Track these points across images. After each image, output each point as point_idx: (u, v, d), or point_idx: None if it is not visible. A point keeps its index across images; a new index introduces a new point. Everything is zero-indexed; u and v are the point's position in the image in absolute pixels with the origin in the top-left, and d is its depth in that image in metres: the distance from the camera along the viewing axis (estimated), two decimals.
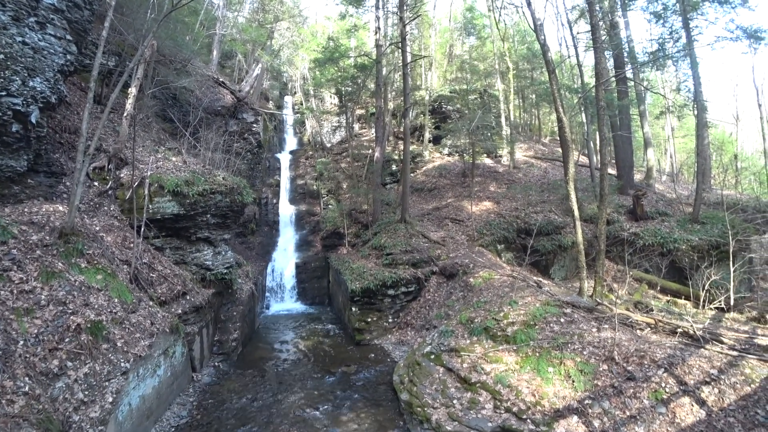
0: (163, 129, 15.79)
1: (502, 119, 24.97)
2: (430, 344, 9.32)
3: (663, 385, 6.09)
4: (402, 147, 20.26)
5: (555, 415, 6.30)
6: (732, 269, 11.14)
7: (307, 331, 13.81)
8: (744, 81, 64.94)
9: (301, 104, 31.91)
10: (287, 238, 21.27)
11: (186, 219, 10.72)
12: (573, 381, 6.73)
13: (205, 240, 11.48)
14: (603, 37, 15.68)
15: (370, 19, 29.46)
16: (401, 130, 22.97)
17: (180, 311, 9.05)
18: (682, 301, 12.45)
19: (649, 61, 19.15)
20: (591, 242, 14.05)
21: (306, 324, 14.63)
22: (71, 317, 6.11)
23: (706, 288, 10.91)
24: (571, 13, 22.78)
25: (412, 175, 22.70)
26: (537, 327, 8.27)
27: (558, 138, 22.99)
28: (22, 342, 5.39)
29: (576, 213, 11.73)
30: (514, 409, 6.66)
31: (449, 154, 26.05)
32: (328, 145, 29.05)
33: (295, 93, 34.12)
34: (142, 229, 9.31)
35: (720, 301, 10.57)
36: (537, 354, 7.56)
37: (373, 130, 24.29)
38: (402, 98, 20.85)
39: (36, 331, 5.64)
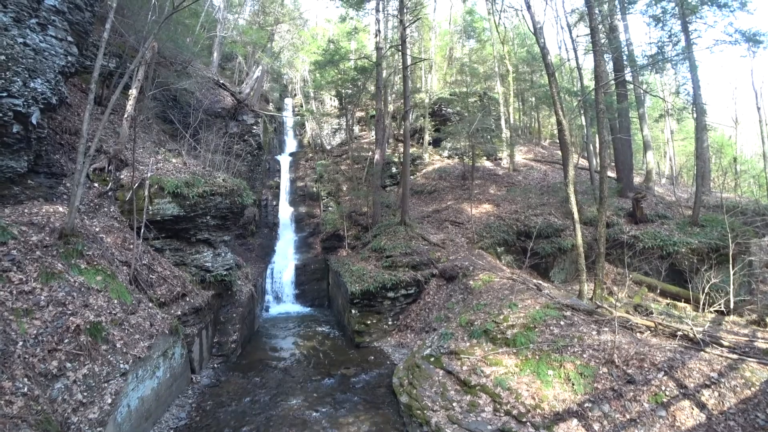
0: (163, 130, 15.80)
1: (502, 122, 25.03)
2: (429, 347, 9.31)
3: (663, 388, 6.07)
4: (402, 149, 20.29)
5: (555, 418, 6.29)
6: (732, 272, 11.15)
7: (307, 333, 13.79)
8: (743, 84, 65.18)
9: (301, 106, 31.98)
10: (287, 240, 21.27)
11: (186, 220, 10.72)
12: (573, 384, 6.72)
13: (204, 241, 11.47)
14: (602, 41, 15.75)
15: (370, 22, 29.53)
16: (401, 132, 23.00)
17: (179, 313, 9.03)
18: (681, 304, 12.45)
19: (648, 64, 19.18)
20: (591, 245, 14.06)
21: (305, 326, 14.60)
22: (71, 318, 6.10)
23: (705, 291, 10.92)
24: (570, 17, 22.86)
25: (412, 177, 22.71)
26: (537, 330, 8.26)
27: (558, 141, 23.04)
28: (21, 343, 5.38)
29: (576, 216, 11.74)
30: (514, 412, 6.65)
31: (449, 157, 26.09)
32: (328, 147, 29.09)
33: (296, 95, 34.20)
34: (142, 230, 9.30)
35: (720, 304, 10.56)
36: (537, 357, 7.55)
37: (373, 133, 24.32)
38: (402, 101, 20.89)
39: (35, 331, 5.63)
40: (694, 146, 20.54)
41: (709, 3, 15.68)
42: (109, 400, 5.77)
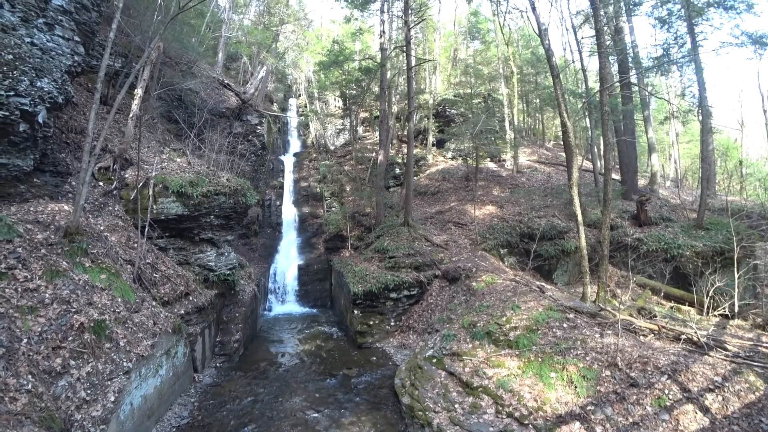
0: (168, 130, 15.89)
1: (506, 123, 24.98)
2: (432, 348, 9.29)
3: (666, 391, 6.04)
4: (405, 150, 20.29)
5: (557, 420, 6.26)
6: (736, 276, 11.06)
7: (309, 333, 13.80)
8: (749, 87, 64.85)
9: (306, 107, 32.05)
10: (290, 240, 21.31)
11: (190, 220, 10.77)
12: (575, 387, 6.69)
13: (208, 241, 11.52)
14: (607, 42, 15.68)
15: (374, 23, 29.50)
16: (405, 133, 22.98)
17: (183, 312, 9.07)
18: (685, 308, 12.37)
19: (653, 66, 19.12)
20: (594, 247, 14.00)
21: (308, 326, 14.62)
22: (75, 316, 6.14)
23: (710, 294, 10.84)
24: (575, 18, 22.79)
25: (415, 178, 22.70)
26: (539, 332, 8.23)
27: (562, 142, 22.95)
28: (25, 340, 5.42)
29: (579, 218, 11.70)
30: (516, 414, 6.63)
31: (453, 158, 26.06)
32: (332, 147, 29.12)
33: (300, 95, 34.26)
34: (146, 229, 9.34)
35: (724, 308, 10.49)
36: (539, 359, 7.52)
37: (377, 134, 24.33)
38: (406, 102, 20.89)
39: (40, 329, 5.67)
40: (699, 149, 20.42)
41: (716, 5, 15.62)
42: (112, 398, 5.80)
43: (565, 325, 8.33)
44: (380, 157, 18.24)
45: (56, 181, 9.12)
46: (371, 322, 12.59)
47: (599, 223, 13.12)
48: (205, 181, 10.94)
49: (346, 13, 21.17)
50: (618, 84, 17.42)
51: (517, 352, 7.92)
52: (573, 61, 27.56)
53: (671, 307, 12.63)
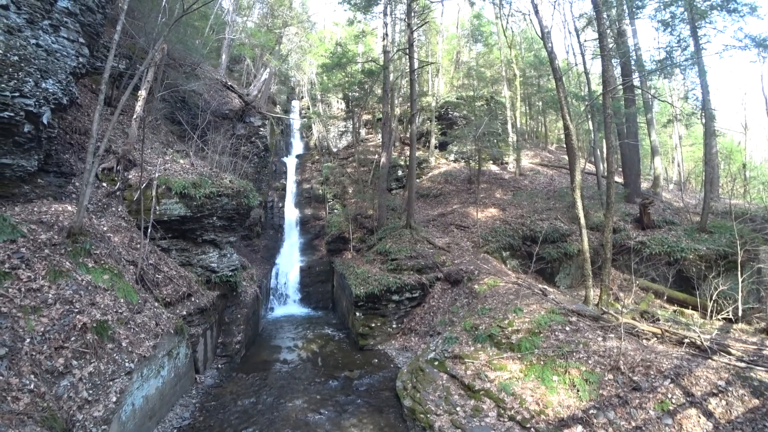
0: (171, 131, 15.94)
1: (509, 126, 24.98)
2: (433, 350, 9.27)
3: (669, 395, 6.00)
4: (408, 153, 20.31)
5: (559, 424, 6.24)
6: (740, 279, 11.00)
7: (311, 335, 13.79)
8: (753, 90, 64.55)
9: (308, 109, 32.15)
10: (292, 242, 21.33)
11: (192, 221, 10.79)
12: (578, 390, 6.66)
13: (210, 242, 11.54)
14: (610, 45, 15.68)
15: (377, 26, 29.68)
16: (407, 135, 23.05)
17: (185, 313, 9.08)
18: (689, 311, 12.32)
19: (656, 69, 19.07)
20: (597, 250, 13.96)
21: (309, 328, 14.61)
22: (77, 316, 6.16)
23: (713, 298, 10.78)
24: (578, 21, 22.81)
25: (417, 180, 22.71)
26: (542, 335, 8.21)
27: (564, 145, 22.90)
28: (28, 340, 5.43)
29: (582, 221, 11.67)
30: (518, 417, 6.60)
31: (455, 161, 26.06)
32: (335, 149, 29.18)
33: (303, 97, 34.36)
34: (149, 230, 9.37)
35: (728, 312, 10.43)
36: (542, 362, 7.49)
37: (380, 136, 24.35)
38: (409, 104, 20.94)
39: (42, 329, 5.68)
40: (702, 152, 20.36)
41: (719, 8, 15.58)
42: (114, 399, 5.81)
43: (567, 329, 8.30)
44: (383, 160, 18.26)
45: (60, 182, 9.16)
46: (373, 324, 12.57)
47: (602, 226, 13.08)
48: (207, 183, 10.97)
49: (349, 16, 21.32)
50: (621, 87, 17.42)
51: (519, 356, 7.89)
52: (576, 64, 27.53)
53: (674, 311, 12.58)
